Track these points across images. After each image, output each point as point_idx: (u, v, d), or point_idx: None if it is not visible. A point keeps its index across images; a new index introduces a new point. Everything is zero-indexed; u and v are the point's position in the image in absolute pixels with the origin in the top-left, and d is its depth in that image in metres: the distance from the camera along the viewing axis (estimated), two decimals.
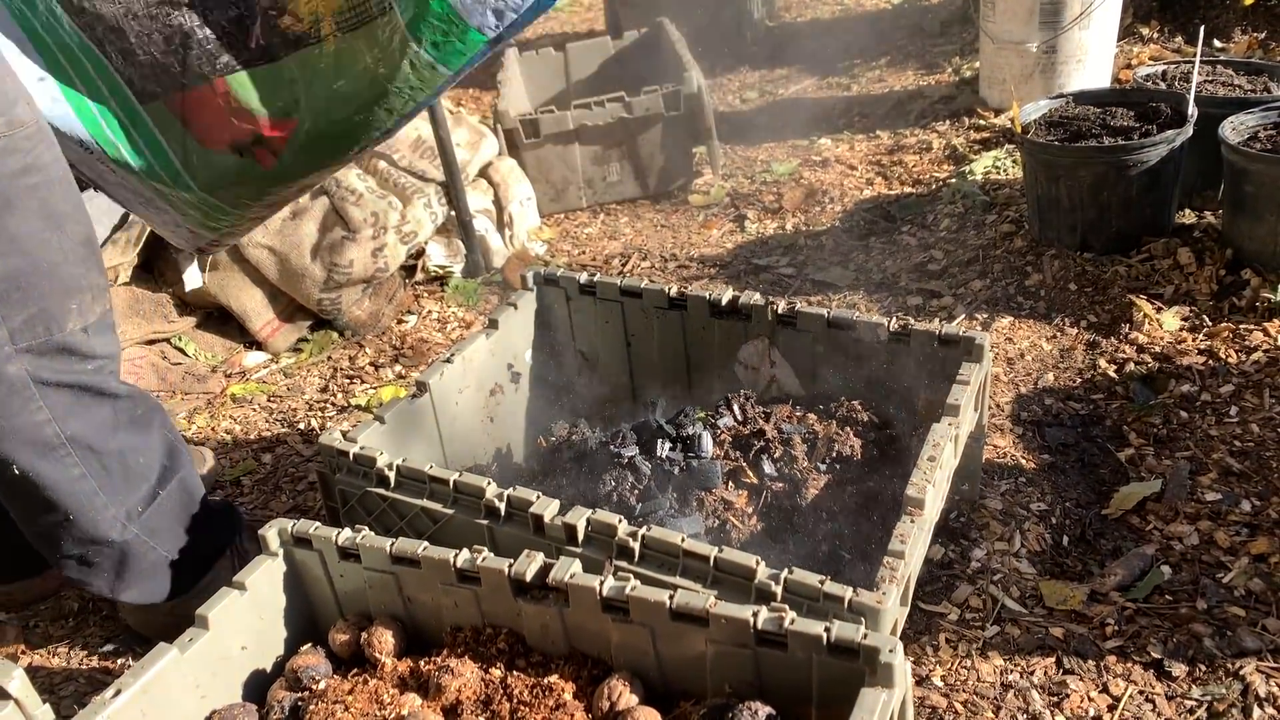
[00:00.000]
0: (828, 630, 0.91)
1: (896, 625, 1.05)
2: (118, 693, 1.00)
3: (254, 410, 2.11)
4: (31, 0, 1.37)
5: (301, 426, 2.03)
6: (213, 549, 1.46)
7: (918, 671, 1.29)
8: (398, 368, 2.20)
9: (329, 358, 2.28)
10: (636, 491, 1.30)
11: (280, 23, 1.38)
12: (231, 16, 1.38)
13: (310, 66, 1.42)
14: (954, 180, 2.68)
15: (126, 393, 1.30)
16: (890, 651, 0.88)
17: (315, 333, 2.36)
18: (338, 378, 2.19)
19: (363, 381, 2.17)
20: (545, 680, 1.03)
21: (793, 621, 0.93)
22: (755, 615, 0.94)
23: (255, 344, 2.32)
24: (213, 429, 2.05)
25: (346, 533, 1.14)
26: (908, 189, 2.74)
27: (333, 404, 2.09)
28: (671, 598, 0.98)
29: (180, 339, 2.26)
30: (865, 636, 0.90)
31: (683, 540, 1.09)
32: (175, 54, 1.39)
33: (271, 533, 1.17)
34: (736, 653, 0.97)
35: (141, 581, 1.37)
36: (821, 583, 1.02)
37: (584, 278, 1.64)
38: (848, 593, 1.01)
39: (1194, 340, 1.87)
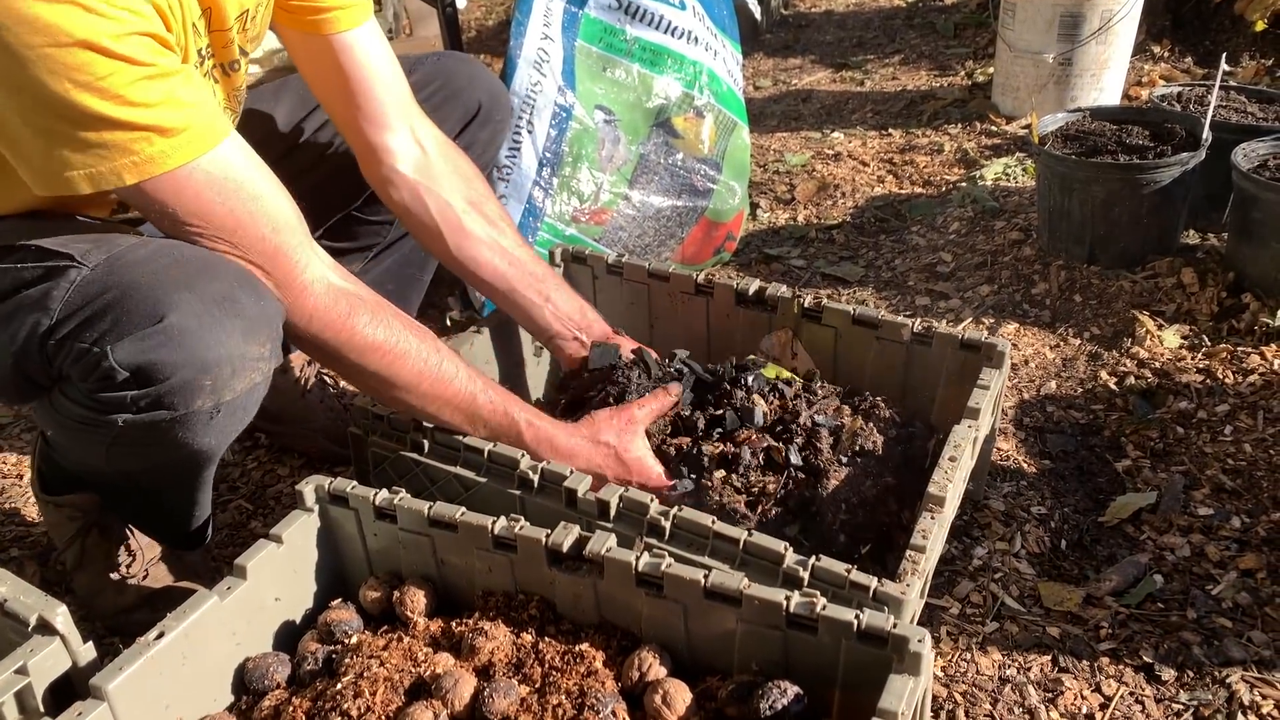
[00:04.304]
0: (859, 618, 0.96)
1: (914, 616, 1.10)
2: (160, 635, 1.02)
3: None
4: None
5: None
6: None
7: None
8: None
9: None
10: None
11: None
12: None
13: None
14: (964, 184, 2.72)
15: None
16: (919, 641, 0.92)
17: None
18: None
19: None
20: (576, 648, 1.06)
21: (824, 607, 0.97)
22: (788, 599, 0.98)
23: None
24: None
25: (384, 493, 1.17)
26: (918, 189, 2.78)
27: None
28: (706, 577, 1.02)
29: None
30: (895, 626, 0.94)
31: (713, 522, 1.13)
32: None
33: (308, 489, 1.19)
34: (766, 633, 1.01)
35: None
36: (848, 571, 1.06)
37: (612, 257, 1.67)
38: (873, 582, 1.05)
39: (1193, 359, 1.92)
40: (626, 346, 1.49)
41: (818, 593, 0.99)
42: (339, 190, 1.57)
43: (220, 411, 1.07)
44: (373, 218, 1.63)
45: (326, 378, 1.87)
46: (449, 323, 2.11)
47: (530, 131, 2.06)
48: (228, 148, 1.05)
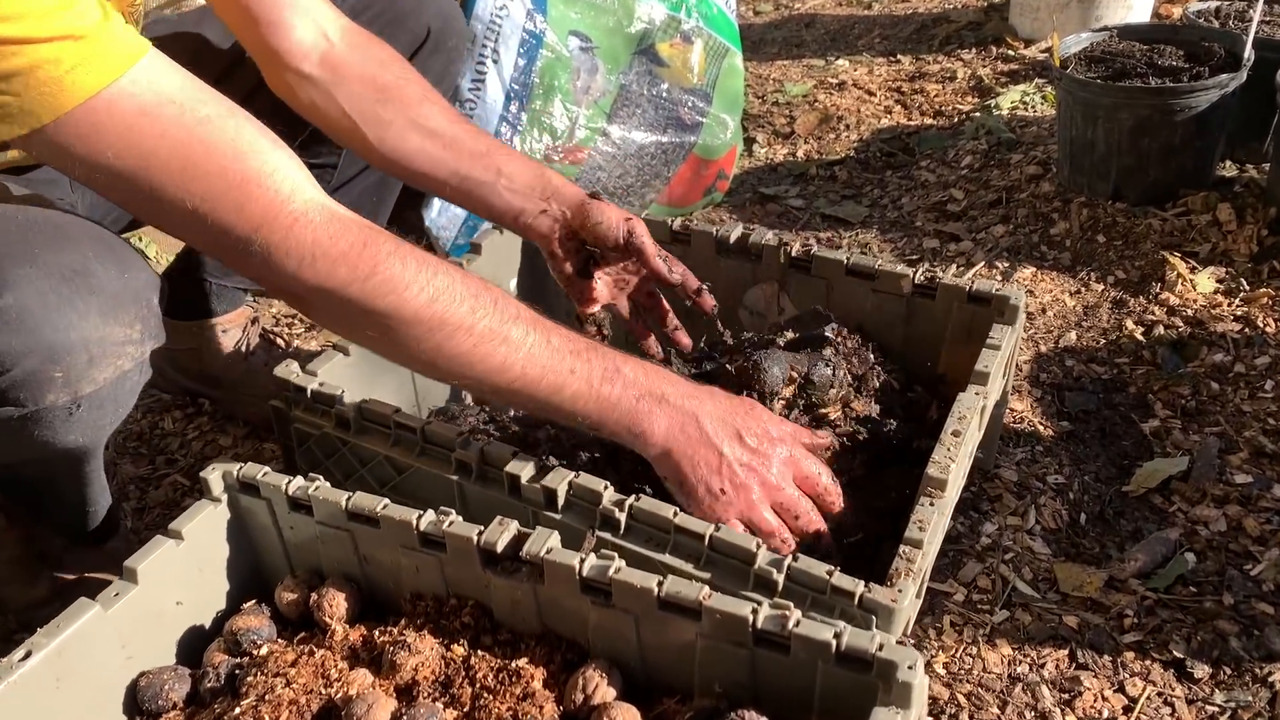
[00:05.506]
0: (838, 636, 0.80)
1: (909, 623, 0.94)
2: (28, 655, 0.88)
3: None
4: None
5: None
6: None
7: None
8: None
9: None
10: None
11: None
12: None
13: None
14: (978, 114, 2.51)
15: None
16: (909, 668, 0.77)
17: None
18: None
19: None
20: (513, 664, 0.91)
21: (798, 623, 0.82)
22: (755, 612, 0.83)
23: None
24: None
25: (298, 481, 1.02)
26: (928, 120, 2.57)
27: (301, 320, 1.94)
28: (660, 584, 0.86)
29: (140, 239, 2.10)
30: (881, 648, 0.79)
31: (675, 514, 0.97)
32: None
33: (214, 476, 1.04)
34: (730, 651, 0.85)
35: None
36: (829, 574, 0.90)
37: None
38: (859, 587, 0.89)
39: (1229, 305, 1.74)
40: (614, 215, 1.24)
41: (790, 604, 0.83)
42: (282, 121, 1.38)
43: (81, 406, 0.90)
44: (314, 161, 1.45)
45: (274, 336, 1.71)
46: None
47: (496, 61, 1.86)
48: (152, 64, 0.83)
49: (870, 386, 1.24)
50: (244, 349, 1.62)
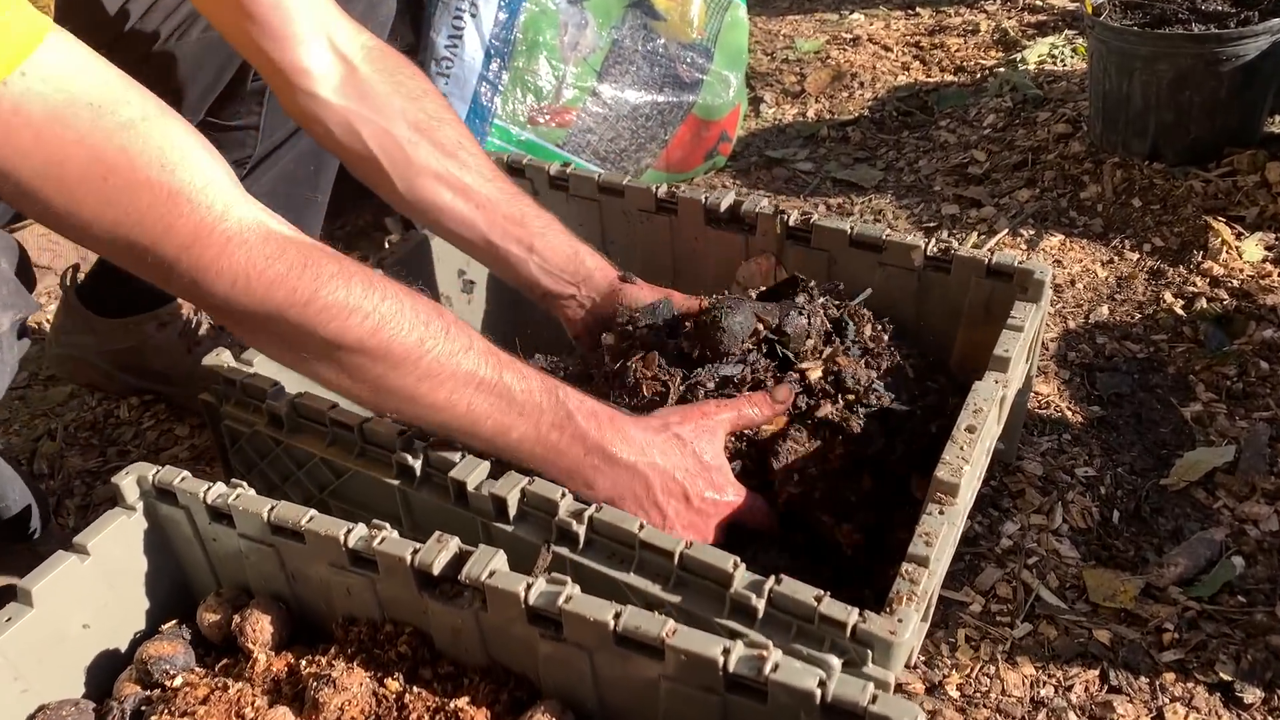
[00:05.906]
0: (823, 685, 0.67)
1: (913, 653, 0.81)
2: None
3: None
4: None
5: None
6: None
7: (929, 677, 1.06)
8: None
9: None
10: None
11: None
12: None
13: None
14: (1003, 69, 2.34)
15: None
16: None
17: None
18: None
19: None
20: (451, 704, 0.79)
21: (775, 667, 0.68)
22: (726, 653, 0.70)
23: None
24: None
25: (219, 488, 0.90)
26: (949, 77, 2.40)
27: None
28: (618, 616, 0.73)
29: None
30: (875, 699, 0.66)
31: (640, 528, 0.84)
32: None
33: (127, 481, 0.92)
34: (699, 696, 0.73)
35: None
36: (817, 600, 0.77)
37: (554, 169, 1.35)
38: (851, 616, 0.76)
39: None
40: (648, 297, 1.16)
41: (769, 644, 0.70)
42: (183, 91, 1.24)
43: None
44: (233, 123, 1.31)
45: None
46: (388, 247, 1.81)
47: (474, 16, 1.72)
48: (60, 55, 0.70)
49: (881, 368, 1.10)
50: (189, 339, 1.50)
